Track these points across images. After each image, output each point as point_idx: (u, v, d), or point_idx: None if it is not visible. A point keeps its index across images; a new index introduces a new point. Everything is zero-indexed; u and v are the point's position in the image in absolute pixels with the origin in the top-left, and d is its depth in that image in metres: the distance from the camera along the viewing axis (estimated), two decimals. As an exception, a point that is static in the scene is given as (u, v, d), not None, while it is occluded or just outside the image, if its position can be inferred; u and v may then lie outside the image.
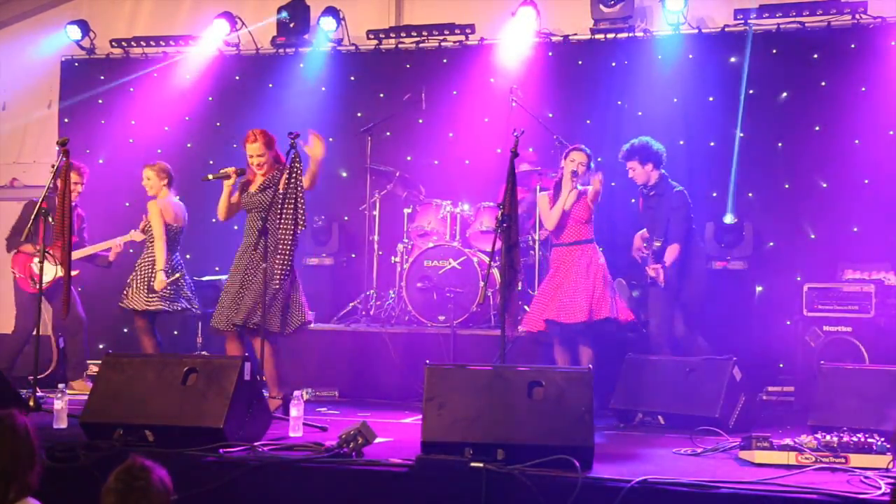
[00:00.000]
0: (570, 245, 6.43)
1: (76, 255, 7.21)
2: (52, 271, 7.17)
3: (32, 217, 6.40)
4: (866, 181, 7.69)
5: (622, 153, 6.81)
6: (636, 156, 6.71)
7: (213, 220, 9.13)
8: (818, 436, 4.52)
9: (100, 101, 9.53)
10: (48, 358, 7.97)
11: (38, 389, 6.11)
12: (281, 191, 5.87)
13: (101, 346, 8.71)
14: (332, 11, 8.87)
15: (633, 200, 8.27)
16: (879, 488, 3.89)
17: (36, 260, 7.16)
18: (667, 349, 6.52)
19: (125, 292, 6.96)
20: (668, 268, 6.52)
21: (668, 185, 6.77)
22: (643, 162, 6.69)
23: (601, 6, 8.28)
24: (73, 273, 7.12)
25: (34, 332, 6.42)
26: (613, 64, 8.37)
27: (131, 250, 8.38)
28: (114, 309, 9.03)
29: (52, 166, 6.34)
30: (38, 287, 6.30)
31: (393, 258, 7.98)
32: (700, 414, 5.62)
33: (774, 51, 8.01)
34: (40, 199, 6.35)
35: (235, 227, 8.87)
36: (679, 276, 6.61)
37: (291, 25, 9.09)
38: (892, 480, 3.97)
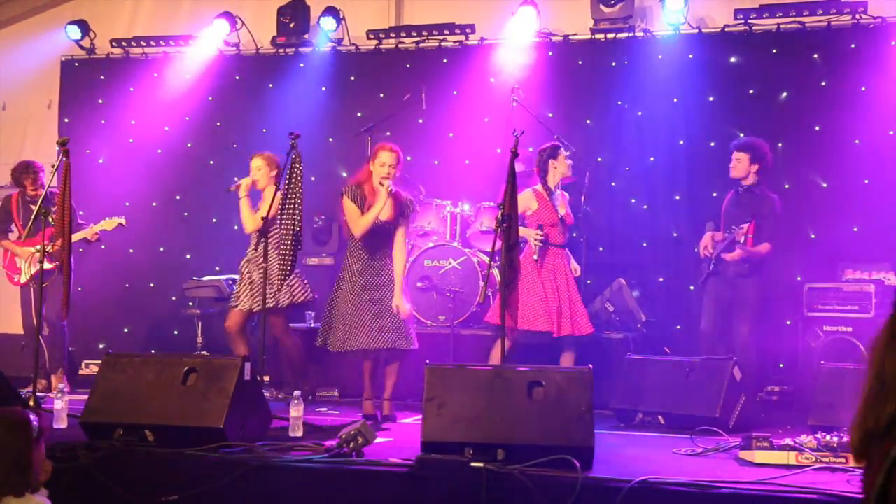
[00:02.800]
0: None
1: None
2: (28, 271, 7.31)
3: (33, 217, 6.41)
4: (866, 181, 7.69)
5: (737, 142, 6.79)
6: (749, 150, 6.69)
7: (214, 221, 9.21)
8: (818, 436, 4.52)
9: (100, 101, 9.53)
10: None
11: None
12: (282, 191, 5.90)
13: (101, 346, 8.71)
14: (332, 11, 8.87)
15: (633, 200, 8.30)
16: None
17: (20, 255, 7.27)
18: (720, 349, 6.45)
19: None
20: (759, 258, 6.53)
21: (767, 189, 6.76)
22: (753, 160, 6.67)
23: (601, 6, 8.27)
24: (49, 266, 7.06)
25: (35, 330, 6.44)
26: (613, 64, 8.37)
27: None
28: (114, 308, 9.09)
29: (53, 166, 6.34)
30: (23, 283, 6.29)
31: (393, 258, 7.97)
32: (700, 414, 5.62)
33: (774, 51, 8.01)
34: (41, 199, 6.37)
35: (235, 227, 8.94)
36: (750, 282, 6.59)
37: (291, 25, 9.09)
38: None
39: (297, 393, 5.30)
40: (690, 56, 8.15)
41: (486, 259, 6.68)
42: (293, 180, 5.88)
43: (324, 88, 9.04)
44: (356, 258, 6.02)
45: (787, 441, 4.52)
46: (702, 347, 6.68)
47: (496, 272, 6.30)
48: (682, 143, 8.14)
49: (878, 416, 1.90)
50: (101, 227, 7.49)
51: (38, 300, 6.26)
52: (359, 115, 8.78)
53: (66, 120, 9.58)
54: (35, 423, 3.22)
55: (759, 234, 6.54)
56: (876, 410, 1.91)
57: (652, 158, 8.23)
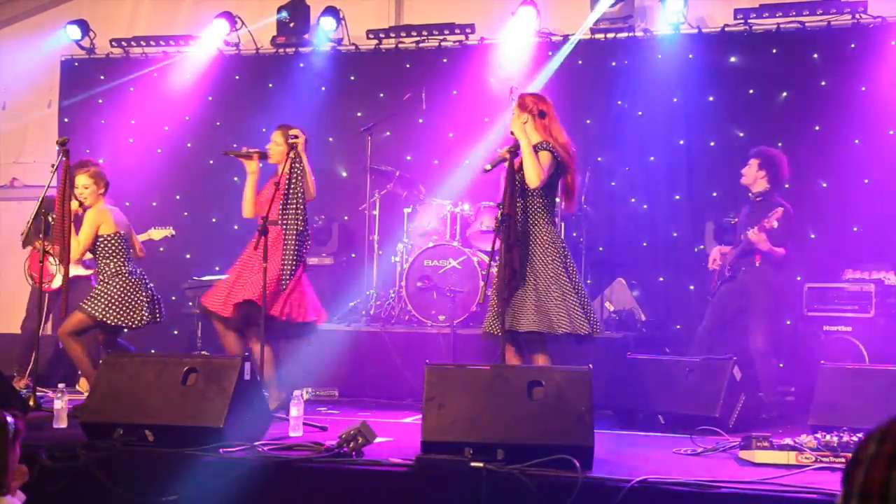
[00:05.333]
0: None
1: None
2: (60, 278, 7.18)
3: (33, 217, 6.40)
4: (866, 181, 7.69)
5: (755, 149, 6.65)
6: (760, 156, 6.57)
7: (213, 220, 9.21)
8: (818, 436, 4.52)
9: (100, 101, 9.54)
10: (47, 357, 7.94)
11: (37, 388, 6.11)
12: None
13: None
14: (332, 11, 8.88)
15: (633, 200, 8.30)
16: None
17: (50, 259, 7.15)
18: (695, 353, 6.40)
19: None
20: (777, 259, 6.36)
21: (777, 198, 6.59)
22: (761, 166, 6.55)
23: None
24: (85, 273, 7.16)
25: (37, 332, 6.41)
26: (613, 64, 8.37)
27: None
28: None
29: (53, 166, 6.31)
30: (46, 286, 6.26)
31: (393, 258, 7.98)
32: (700, 414, 5.62)
33: (774, 51, 8.01)
34: (40, 199, 6.36)
35: (235, 227, 8.95)
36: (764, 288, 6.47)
37: (291, 25, 9.09)
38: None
39: (296, 393, 5.30)
40: (690, 56, 8.16)
41: (486, 259, 6.68)
42: (294, 180, 5.88)
43: (324, 88, 9.05)
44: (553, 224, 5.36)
45: (787, 441, 4.52)
46: (693, 348, 6.66)
47: (496, 272, 6.29)
48: (682, 143, 8.15)
49: None
50: (147, 237, 7.18)
51: (40, 303, 6.26)
52: (359, 115, 8.79)
53: (66, 120, 9.59)
54: (11, 424, 3.11)
55: (774, 237, 6.38)
56: None
57: (652, 158, 8.24)
